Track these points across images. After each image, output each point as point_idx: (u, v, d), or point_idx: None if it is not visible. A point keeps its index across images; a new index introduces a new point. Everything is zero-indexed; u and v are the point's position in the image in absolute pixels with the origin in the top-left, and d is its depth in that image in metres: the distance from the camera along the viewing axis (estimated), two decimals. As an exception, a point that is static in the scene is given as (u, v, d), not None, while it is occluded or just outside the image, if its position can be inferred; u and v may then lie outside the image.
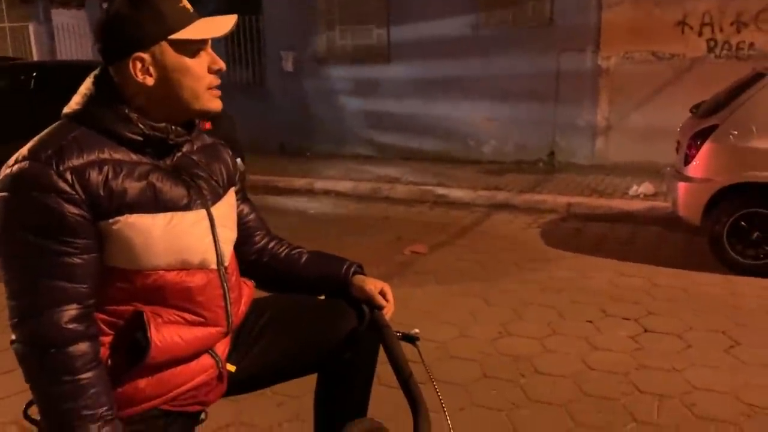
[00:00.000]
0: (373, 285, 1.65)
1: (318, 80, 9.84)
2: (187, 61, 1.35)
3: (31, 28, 13.59)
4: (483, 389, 3.14)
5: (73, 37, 13.04)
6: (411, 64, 9.27)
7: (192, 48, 1.35)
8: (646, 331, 3.77)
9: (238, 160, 7.55)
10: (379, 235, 5.91)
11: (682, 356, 3.45)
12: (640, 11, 7.99)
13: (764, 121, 4.51)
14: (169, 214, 1.34)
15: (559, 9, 8.36)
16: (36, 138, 1.30)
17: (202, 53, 1.38)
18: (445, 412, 1.33)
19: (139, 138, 1.35)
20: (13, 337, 1.26)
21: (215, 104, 1.41)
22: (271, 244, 1.70)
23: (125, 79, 1.35)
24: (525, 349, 3.54)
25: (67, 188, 1.22)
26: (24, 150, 1.27)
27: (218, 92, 1.42)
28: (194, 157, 1.47)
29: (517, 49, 8.56)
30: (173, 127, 1.39)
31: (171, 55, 1.34)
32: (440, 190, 7.36)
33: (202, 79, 1.37)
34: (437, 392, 1.37)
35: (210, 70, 1.39)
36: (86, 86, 1.38)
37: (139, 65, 1.33)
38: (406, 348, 1.46)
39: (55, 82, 6.49)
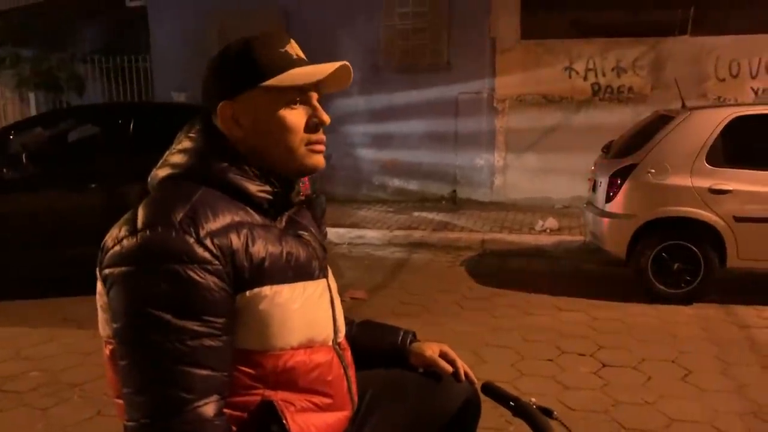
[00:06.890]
0: (431, 350, 1.53)
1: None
2: (280, 110, 1.17)
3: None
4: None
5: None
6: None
7: (287, 97, 1.18)
8: (604, 365, 3.86)
9: None
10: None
11: (647, 389, 3.55)
12: (530, 56, 8.50)
13: (676, 159, 4.88)
14: (301, 284, 1.17)
15: (455, 53, 8.68)
16: (149, 203, 1.06)
17: (300, 104, 1.20)
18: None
19: (270, 196, 1.17)
20: None
21: (315, 160, 1.23)
22: None
23: (223, 130, 1.18)
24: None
25: (210, 257, 1.01)
26: (145, 216, 1.03)
27: (321, 147, 1.24)
28: (299, 219, 1.28)
29: (418, 91, 8.77)
30: (292, 183, 1.23)
31: (261, 104, 1.17)
32: (356, 231, 7.26)
33: (295, 132, 1.19)
34: None
35: (309, 123, 1.21)
36: (192, 141, 1.17)
37: (227, 114, 1.16)
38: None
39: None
